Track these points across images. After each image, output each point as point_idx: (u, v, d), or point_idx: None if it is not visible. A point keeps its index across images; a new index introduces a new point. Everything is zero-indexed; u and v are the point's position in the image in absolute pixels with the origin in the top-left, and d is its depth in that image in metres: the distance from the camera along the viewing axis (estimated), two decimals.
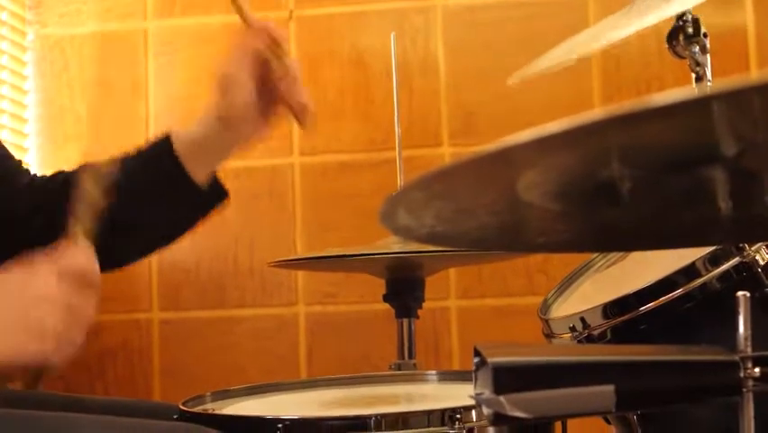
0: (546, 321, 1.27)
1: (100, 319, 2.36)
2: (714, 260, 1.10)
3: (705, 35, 1.31)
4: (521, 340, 2.05)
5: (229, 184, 1.23)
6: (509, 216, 0.74)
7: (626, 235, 0.84)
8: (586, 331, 1.18)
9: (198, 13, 2.43)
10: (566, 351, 0.91)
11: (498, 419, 0.67)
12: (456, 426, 0.97)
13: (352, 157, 2.34)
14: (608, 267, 1.40)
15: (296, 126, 1.19)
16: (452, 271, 2.28)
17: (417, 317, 1.62)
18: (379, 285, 1.63)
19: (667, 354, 0.74)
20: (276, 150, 2.32)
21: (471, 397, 0.72)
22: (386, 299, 1.61)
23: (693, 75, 1.31)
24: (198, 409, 1.12)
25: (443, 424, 0.98)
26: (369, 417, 0.99)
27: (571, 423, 1.15)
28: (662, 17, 1.20)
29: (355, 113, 2.35)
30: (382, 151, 2.30)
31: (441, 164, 0.58)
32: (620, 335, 1.15)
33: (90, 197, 1.00)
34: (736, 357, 0.69)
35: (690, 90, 0.47)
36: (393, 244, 1.47)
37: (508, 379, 0.67)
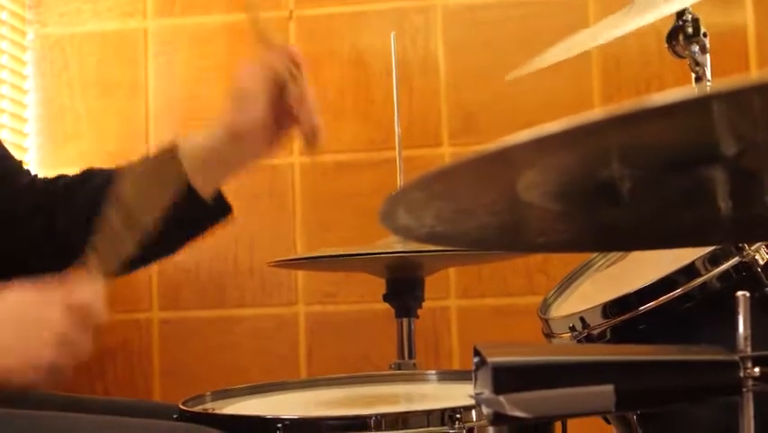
0: (546, 321, 1.27)
1: None
2: (714, 259, 1.10)
3: (705, 35, 1.31)
4: (521, 340, 2.05)
5: (229, 183, 1.22)
6: (509, 216, 0.74)
7: (626, 235, 0.84)
8: (586, 331, 1.18)
9: (198, 13, 2.43)
10: (566, 351, 0.91)
11: (498, 418, 0.67)
12: (456, 426, 0.97)
13: (351, 157, 2.34)
14: (608, 267, 1.40)
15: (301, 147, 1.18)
16: (452, 271, 2.28)
17: (417, 317, 1.62)
18: (379, 285, 1.63)
19: (667, 354, 0.74)
20: None
21: (471, 397, 0.72)
22: (386, 298, 1.61)
23: (693, 75, 1.31)
24: (198, 408, 1.12)
25: (442, 424, 0.98)
26: (369, 417, 0.99)
27: (570, 423, 1.15)
28: (661, 15, 1.20)
29: (355, 113, 2.35)
30: (382, 150, 2.30)
31: (441, 164, 0.58)
32: (620, 334, 1.15)
33: (117, 237, 1.00)
34: (736, 357, 0.68)
35: (689, 90, 0.47)
36: (393, 244, 1.47)
37: (508, 379, 0.67)
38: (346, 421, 1.01)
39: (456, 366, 2.25)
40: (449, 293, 2.30)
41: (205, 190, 1.16)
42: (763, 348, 0.69)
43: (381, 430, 0.97)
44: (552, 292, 1.38)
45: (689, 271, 1.11)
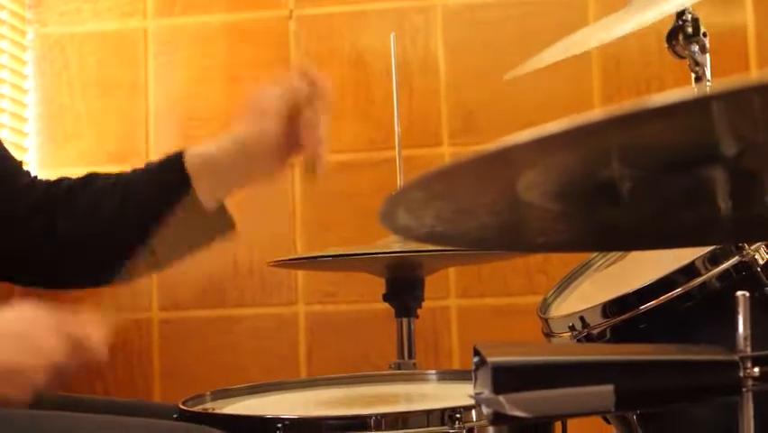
0: (546, 320, 1.27)
1: None
2: (713, 259, 1.10)
3: (704, 35, 1.31)
4: (521, 340, 2.05)
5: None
6: (509, 216, 0.74)
7: (626, 235, 0.84)
8: (585, 330, 1.18)
9: (198, 13, 2.43)
10: (566, 351, 0.91)
11: (498, 418, 0.67)
12: (456, 425, 0.97)
13: (351, 156, 2.34)
14: (608, 266, 1.40)
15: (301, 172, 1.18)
16: (452, 271, 2.28)
17: (417, 317, 1.62)
18: (378, 284, 1.63)
19: (666, 354, 0.74)
20: None
21: (471, 396, 0.72)
22: (386, 298, 1.61)
23: (693, 75, 1.31)
24: (198, 408, 1.12)
25: (442, 424, 0.98)
26: (368, 416, 0.99)
27: (570, 423, 1.16)
28: (660, 15, 1.20)
29: (355, 112, 2.34)
30: (382, 150, 2.30)
31: (441, 164, 0.58)
32: (620, 334, 1.15)
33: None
34: (736, 357, 0.68)
35: (689, 90, 0.47)
36: (393, 244, 1.47)
37: (508, 378, 0.67)
38: (346, 421, 1.01)
39: (456, 366, 2.25)
40: (449, 293, 2.30)
41: (207, 200, 1.15)
42: (763, 348, 0.69)
43: (381, 430, 0.97)
44: (551, 292, 1.38)
45: (688, 270, 1.11)
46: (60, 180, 1.20)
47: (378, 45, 2.34)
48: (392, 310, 1.62)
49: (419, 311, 1.63)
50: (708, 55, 1.31)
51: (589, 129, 0.51)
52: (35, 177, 1.22)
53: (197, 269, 2.06)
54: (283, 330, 2.35)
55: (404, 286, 1.61)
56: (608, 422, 1.28)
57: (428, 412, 1.00)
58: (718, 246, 1.09)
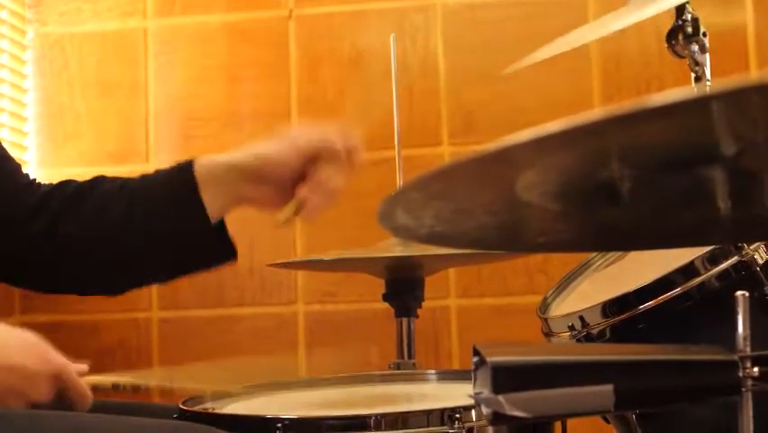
0: (545, 320, 1.27)
1: (99, 319, 2.36)
2: (713, 259, 1.10)
3: (704, 34, 1.31)
4: (521, 339, 2.05)
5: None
6: (509, 216, 0.74)
7: (626, 235, 0.84)
8: (585, 330, 1.18)
9: (198, 12, 2.43)
10: (565, 350, 0.91)
11: (498, 418, 0.67)
12: (456, 425, 0.97)
13: None
14: (607, 266, 1.40)
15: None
16: (452, 271, 2.28)
17: (417, 317, 1.62)
18: (378, 284, 1.63)
19: (666, 354, 0.74)
20: None
21: (471, 396, 0.72)
22: (385, 298, 1.61)
23: (693, 74, 1.31)
24: (198, 408, 1.12)
25: (442, 424, 0.98)
26: (368, 416, 0.99)
27: (570, 423, 1.15)
28: (659, 10, 1.20)
29: (355, 112, 2.34)
30: (382, 150, 2.29)
31: (440, 164, 0.58)
32: (619, 333, 1.15)
33: None
34: (735, 357, 0.68)
35: (689, 90, 0.47)
36: (393, 246, 1.47)
37: (507, 378, 0.67)
38: (346, 421, 1.01)
39: (456, 366, 2.24)
40: (449, 293, 2.30)
41: (213, 210, 1.15)
42: (763, 348, 0.69)
43: (381, 430, 0.97)
44: (551, 292, 1.38)
45: (688, 270, 1.11)
46: (67, 183, 1.20)
47: (378, 45, 2.34)
48: (392, 310, 1.62)
49: (419, 311, 1.62)
50: (707, 55, 1.31)
51: (589, 129, 0.51)
52: (34, 179, 1.22)
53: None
54: (283, 330, 2.35)
55: (404, 286, 1.61)
56: (608, 422, 1.28)
57: (428, 412, 1.00)
58: (718, 246, 1.09)
